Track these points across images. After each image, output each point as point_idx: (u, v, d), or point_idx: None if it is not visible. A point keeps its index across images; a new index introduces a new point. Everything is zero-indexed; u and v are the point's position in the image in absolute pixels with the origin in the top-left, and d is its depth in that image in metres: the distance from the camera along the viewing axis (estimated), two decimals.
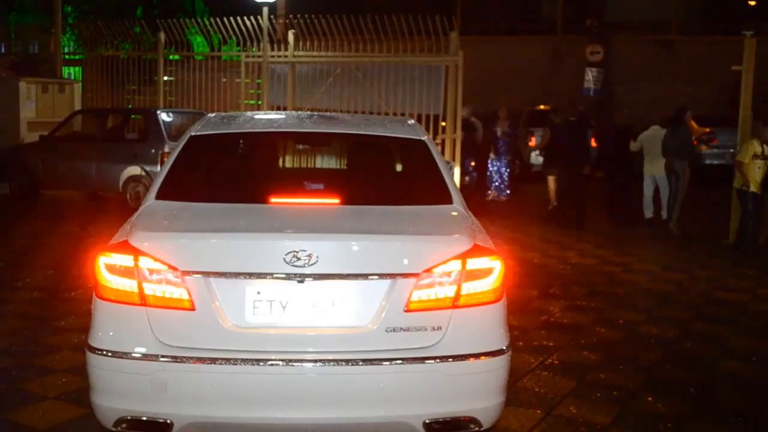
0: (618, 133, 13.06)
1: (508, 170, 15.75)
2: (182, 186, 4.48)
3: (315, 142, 5.66)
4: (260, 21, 15.75)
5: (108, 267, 3.77)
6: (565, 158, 12.85)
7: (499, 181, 15.70)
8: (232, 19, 16.36)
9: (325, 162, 6.16)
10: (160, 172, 4.60)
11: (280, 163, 5.52)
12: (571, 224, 12.33)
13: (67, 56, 20.30)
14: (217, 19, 16.66)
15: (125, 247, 3.76)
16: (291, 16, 16.26)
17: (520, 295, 7.96)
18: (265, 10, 15.23)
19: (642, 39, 25.79)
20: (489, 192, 15.71)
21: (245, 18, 16.16)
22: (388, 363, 3.70)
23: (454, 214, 4.33)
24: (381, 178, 5.09)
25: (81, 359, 5.58)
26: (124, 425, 3.72)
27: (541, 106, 18.65)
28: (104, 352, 3.74)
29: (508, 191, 15.69)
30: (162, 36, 17.33)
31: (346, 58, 15.42)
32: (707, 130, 17.67)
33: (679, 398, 5.26)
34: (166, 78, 17.75)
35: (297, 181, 5.15)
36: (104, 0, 23.72)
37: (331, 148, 6.05)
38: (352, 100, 15.37)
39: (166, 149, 12.54)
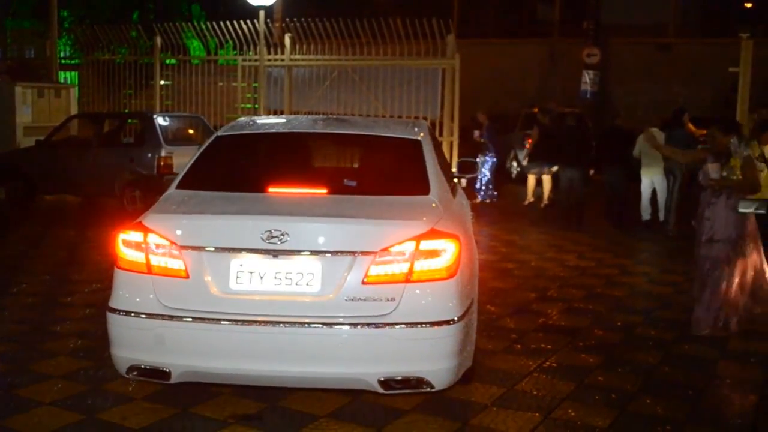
0: (617, 134, 13.05)
1: (488, 173, 15.54)
2: (200, 178, 5.28)
3: (321, 141, 6.29)
4: (257, 25, 15.74)
5: (124, 242, 4.64)
6: (559, 158, 12.98)
7: (484, 184, 15.57)
8: (228, 23, 16.37)
9: (329, 158, 6.53)
10: (186, 165, 5.46)
11: (287, 160, 5.97)
12: (570, 225, 12.35)
13: (63, 61, 20.29)
14: (214, 23, 16.67)
15: (138, 226, 4.62)
16: (287, 19, 16.28)
17: (518, 297, 7.95)
18: (262, 13, 15.22)
19: (638, 41, 25.79)
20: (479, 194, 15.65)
21: (242, 22, 16.17)
22: (346, 327, 4.38)
23: (424, 203, 4.92)
24: (370, 173, 5.79)
25: (77, 365, 5.60)
26: (134, 372, 4.60)
27: (535, 109, 18.65)
28: (119, 312, 4.60)
29: (495, 193, 15.52)
30: (158, 40, 17.33)
31: (342, 62, 15.44)
32: (704, 131, 17.65)
33: (677, 401, 5.24)
34: (162, 82, 17.76)
35: (296, 174, 5.57)
36: (100, 4, 23.69)
37: (336, 147, 6.54)
38: (349, 103, 15.39)
39: (163, 153, 12.51)
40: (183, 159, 12.59)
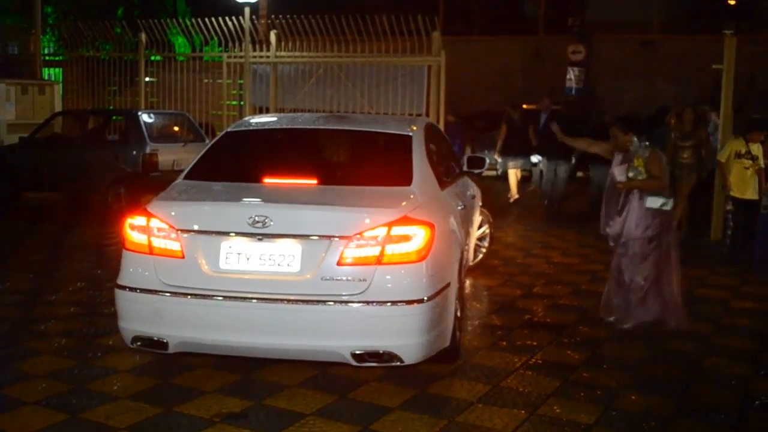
0: (604, 131, 13.14)
1: None
2: (205, 169, 5.83)
3: (319, 136, 6.66)
4: (242, 21, 15.68)
5: (130, 226, 5.17)
6: (547, 151, 13.30)
7: None
8: (213, 19, 16.28)
9: (326, 152, 6.78)
10: (195, 158, 6.04)
11: (286, 153, 6.37)
12: (553, 219, 12.52)
13: (47, 57, 20.11)
14: (199, 20, 16.57)
15: (142, 212, 5.17)
16: (273, 16, 16.21)
17: (504, 294, 7.97)
18: (247, 10, 15.15)
19: (623, 38, 25.87)
20: None
21: (227, 18, 16.08)
22: (322, 304, 4.81)
23: (403, 193, 5.32)
24: (360, 165, 6.25)
25: (61, 364, 5.57)
26: (138, 343, 5.15)
27: (524, 106, 18.67)
28: (124, 288, 5.13)
29: None
30: (143, 37, 17.22)
31: (328, 59, 15.40)
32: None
33: (662, 396, 5.27)
34: (147, 79, 17.64)
35: (292, 167, 5.95)
36: (85, 0, 23.52)
37: (333, 142, 6.83)
38: (334, 100, 15.34)
39: (148, 150, 12.46)
40: (168, 156, 12.65)
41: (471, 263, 8.44)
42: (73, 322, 6.69)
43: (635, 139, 6.82)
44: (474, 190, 8.15)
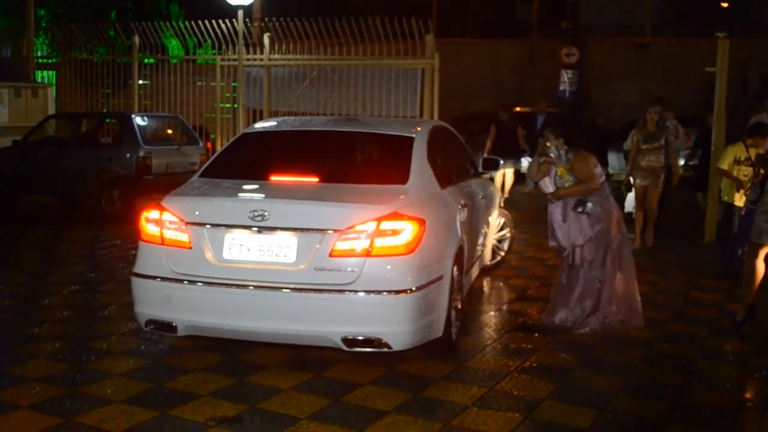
0: (597, 133, 13.19)
1: None
2: (219, 168, 6.31)
3: (327, 137, 6.87)
4: (235, 24, 15.67)
5: (146, 219, 5.61)
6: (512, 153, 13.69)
7: None
8: (207, 22, 16.28)
9: (333, 152, 6.85)
10: (212, 157, 6.62)
11: (294, 153, 6.63)
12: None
13: (40, 60, 20.07)
14: (193, 23, 16.57)
15: (156, 206, 5.62)
16: (266, 19, 16.22)
17: (498, 296, 7.97)
18: (240, 13, 15.15)
19: (616, 41, 25.93)
20: None
21: (220, 21, 16.08)
22: (315, 292, 5.16)
23: (397, 191, 5.64)
24: (361, 164, 6.68)
25: (55, 368, 5.56)
26: (151, 326, 5.62)
27: (517, 108, 18.71)
28: (140, 275, 5.59)
29: None
30: (136, 39, 17.21)
31: (322, 61, 15.41)
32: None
33: (657, 400, 5.27)
34: (140, 82, 17.63)
35: (298, 165, 6.21)
36: (78, 3, 23.49)
37: (340, 142, 6.92)
38: (328, 103, 15.35)
39: (141, 153, 12.45)
40: (162, 159, 12.65)
41: (489, 262, 8.55)
42: (67, 325, 6.67)
43: (553, 147, 6.75)
44: (489, 191, 8.22)
